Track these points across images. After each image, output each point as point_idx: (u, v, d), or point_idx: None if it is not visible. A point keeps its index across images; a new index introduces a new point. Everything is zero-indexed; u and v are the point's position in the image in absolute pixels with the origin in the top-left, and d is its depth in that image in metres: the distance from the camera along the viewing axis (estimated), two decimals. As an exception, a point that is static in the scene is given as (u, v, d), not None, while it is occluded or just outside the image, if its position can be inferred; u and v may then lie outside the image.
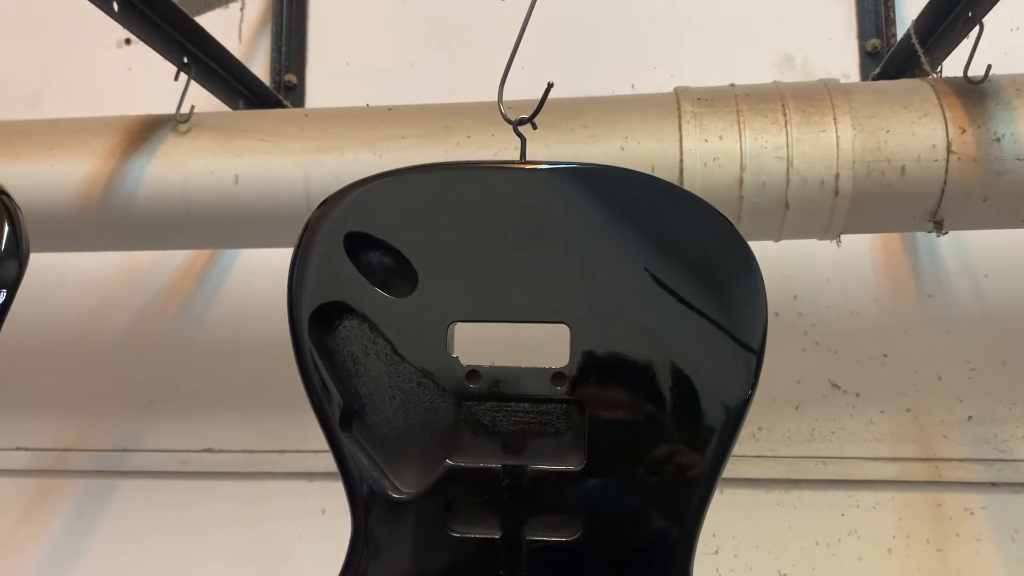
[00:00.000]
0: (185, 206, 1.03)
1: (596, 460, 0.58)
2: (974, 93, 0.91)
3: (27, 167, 1.04)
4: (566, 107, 0.98)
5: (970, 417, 1.20)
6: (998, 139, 0.89)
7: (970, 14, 0.91)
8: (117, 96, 1.44)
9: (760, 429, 1.23)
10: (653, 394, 0.57)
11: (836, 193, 0.91)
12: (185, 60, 1.08)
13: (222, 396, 1.36)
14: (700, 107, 0.95)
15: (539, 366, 0.59)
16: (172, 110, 1.06)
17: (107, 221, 1.06)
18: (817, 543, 1.21)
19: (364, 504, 0.60)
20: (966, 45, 0.92)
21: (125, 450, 1.37)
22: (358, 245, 0.59)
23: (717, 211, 0.58)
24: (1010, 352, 1.21)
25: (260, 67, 1.42)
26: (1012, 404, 1.20)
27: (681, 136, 0.94)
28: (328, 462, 0.60)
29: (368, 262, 0.59)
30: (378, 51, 1.42)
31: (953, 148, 0.89)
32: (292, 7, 1.43)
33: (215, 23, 1.12)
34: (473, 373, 0.59)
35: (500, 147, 0.97)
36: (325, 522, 1.31)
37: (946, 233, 0.96)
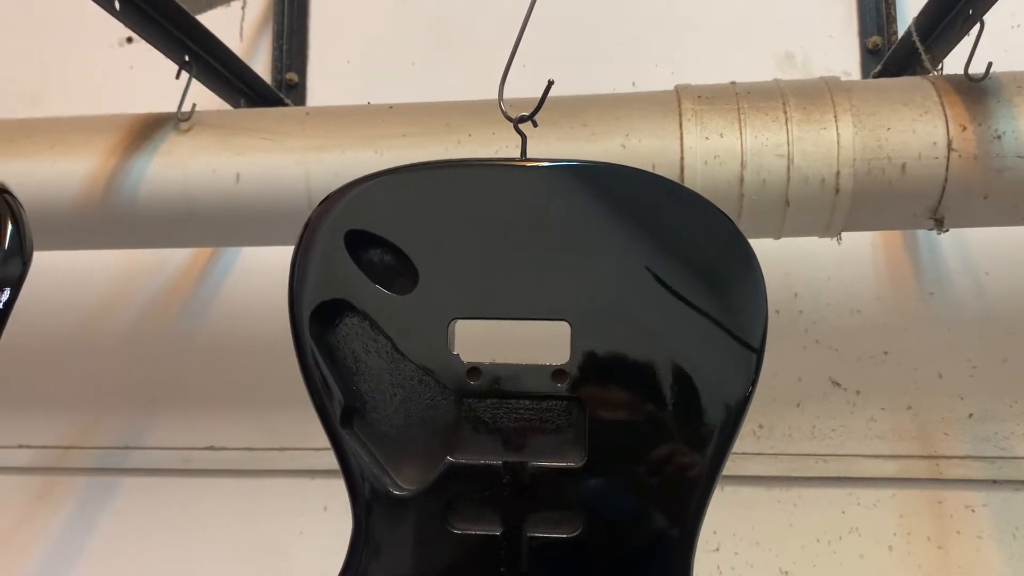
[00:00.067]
0: (186, 204, 1.03)
1: (596, 457, 0.58)
2: (975, 90, 0.91)
3: (29, 165, 1.05)
4: (567, 105, 0.99)
5: (971, 415, 1.20)
6: (999, 136, 0.89)
7: (971, 12, 0.91)
8: (118, 94, 1.45)
9: (761, 427, 1.23)
10: (653, 391, 0.58)
11: (837, 191, 0.91)
12: (186, 58, 1.08)
13: (224, 394, 1.36)
14: (701, 105, 0.95)
15: (540, 363, 0.59)
16: (173, 108, 1.07)
17: (108, 219, 1.06)
18: (818, 540, 1.21)
19: (365, 501, 0.60)
20: (967, 43, 0.92)
21: (127, 448, 1.37)
22: (359, 243, 0.59)
23: (718, 209, 0.58)
24: (1011, 350, 1.21)
25: (261, 65, 1.42)
26: (1013, 401, 1.20)
27: (682, 134, 0.94)
28: (330, 460, 0.60)
29: (369, 260, 0.59)
30: (379, 49, 1.42)
31: (954, 146, 0.89)
32: (293, 6, 1.43)
33: (216, 22, 1.13)
34: (474, 370, 0.59)
35: (501, 145, 0.97)
36: (326, 519, 1.31)
37: (947, 231, 0.96)
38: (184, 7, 1.04)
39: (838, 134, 0.90)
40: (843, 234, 0.99)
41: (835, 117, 0.91)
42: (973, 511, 1.19)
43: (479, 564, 0.58)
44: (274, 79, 1.40)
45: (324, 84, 1.42)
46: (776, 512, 1.22)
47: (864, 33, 1.29)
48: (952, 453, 1.20)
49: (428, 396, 0.60)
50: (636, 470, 0.58)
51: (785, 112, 0.92)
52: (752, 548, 1.22)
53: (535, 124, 0.64)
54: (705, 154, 0.92)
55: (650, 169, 0.91)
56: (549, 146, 0.94)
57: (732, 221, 0.58)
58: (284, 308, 0.60)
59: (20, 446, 1.40)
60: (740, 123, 0.92)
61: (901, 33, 1.12)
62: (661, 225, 0.59)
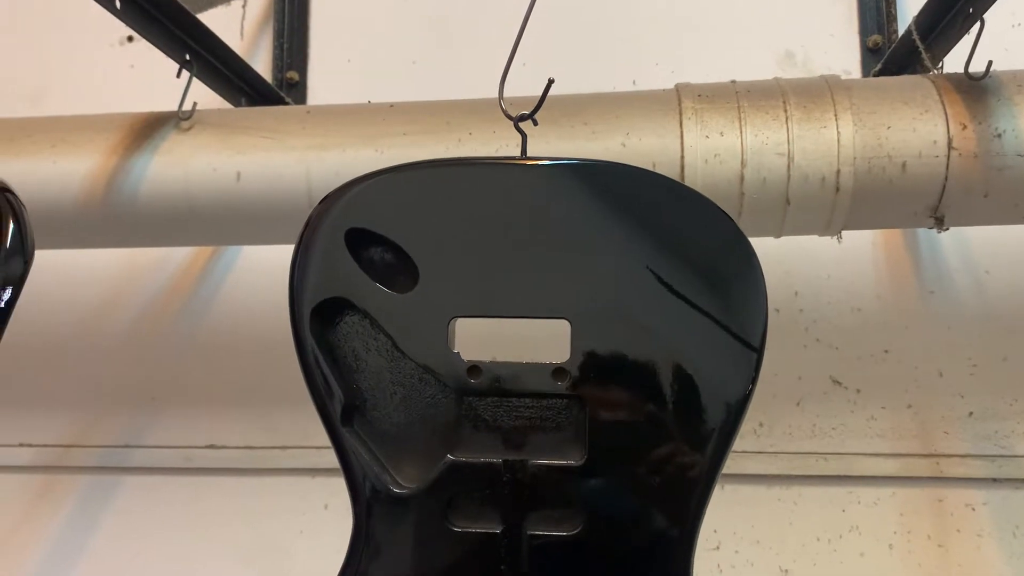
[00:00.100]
0: (187, 203, 1.03)
1: (596, 455, 0.58)
2: (975, 89, 0.91)
3: (30, 164, 1.05)
4: (567, 103, 0.99)
5: (971, 413, 1.21)
6: (999, 135, 0.89)
7: (971, 10, 0.91)
8: (119, 93, 1.45)
9: (761, 425, 1.23)
10: (653, 390, 0.58)
11: (837, 189, 0.91)
12: (187, 57, 1.09)
13: (225, 392, 1.37)
14: (701, 103, 0.95)
15: (540, 362, 0.59)
16: (174, 107, 1.07)
17: (109, 218, 1.06)
18: (818, 539, 1.21)
19: (366, 499, 0.60)
20: (967, 41, 0.92)
21: (128, 446, 1.38)
22: (359, 241, 0.59)
23: (718, 207, 0.58)
24: (1011, 348, 1.21)
25: (262, 64, 1.42)
26: (1013, 400, 1.20)
27: (682, 132, 0.94)
28: (330, 458, 0.60)
29: (369, 258, 0.59)
30: (380, 48, 1.42)
31: (954, 144, 0.89)
32: (294, 4, 1.43)
33: (217, 20, 1.13)
34: (474, 369, 0.59)
35: (502, 143, 0.97)
36: (327, 518, 1.31)
37: (947, 229, 0.96)
38: (185, 6, 1.04)
39: (838, 132, 0.90)
40: (843, 233, 0.99)
41: (835, 115, 0.91)
42: (973, 509, 1.19)
43: (479, 562, 0.59)
44: (275, 78, 1.40)
45: (325, 83, 1.42)
46: (776, 510, 1.22)
47: (864, 32, 1.29)
48: (952, 451, 1.20)
49: (428, 394, 0.60)
50: (636, 468, 0.58)
51: (785, 110, 0.92)
52: (752, 546, 1.22)
53: (535, 123, 0.64)
54: (705, 152, 0.92)
55: (650, 168, 0.92)
56: (549, 145, 0.95)
57: (732, 220, 0.58)
58: (285, 307, 0.60)
59: (21, 444, 1.40)
60: (740, 122, 0.92)
61: (901, 32, 1.12)
62: (661, 224, 0.59)
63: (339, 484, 0.60)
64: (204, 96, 1.11)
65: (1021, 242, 1.21)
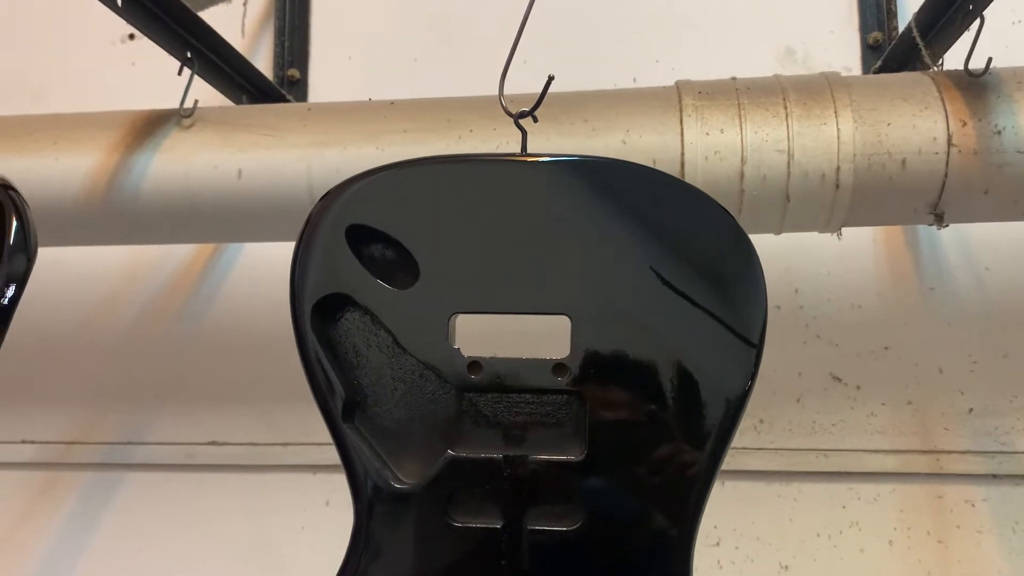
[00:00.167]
0: (189, 200, 1.04)
1: (596, 451, 0.58)
2: (975, 86, 0.91)
3: (32, 162, 1.05)
4: (567, 101, 0.99)
5: (971, 410, 1.21)
6: (999, 132, 0.89)
7: (971, 7, 0.91)
8: (121, 91, 1.45)
9: (761, 422, 1.24)
10: (652, 385, 0.58)
11: (837, 186, 0.91)
12: (189, 55, 1.09)
13: (226, 389, 1.37)
14: (701, 100, 0.95)
15: (540, 357, 0.59)
16: (176, 105, 1.07)
17: (111, 215, 1.06)
18: (818, 535, 1.21)
19: (367, 495, 0.60)
20: (967, 38, 0.92)
21: (130, 443, 1.38)
22: (360, 238, 0.59)
23: (718, 204, 0.58)
24: (1011, 345, 1.21)
25: (263, 62, 1.42)
26: (1013, 396, 1.20)
27: (682, 129, 0.94)
28: (331, 455, 0.61)
29: (370, 254, 0.60)
30: (380, 46, 1.42)
31: (954, 141, 0.89)
32: (295, 2, 1.43)
33: (218, 18, 1.13)
34: (475, 364, 0.60)
35: (502, 141, 0.97)
36: (328, 514, 1.31)
37: (947, 226, 0.96)
38: (186, 4, 1.04)
39: (838, 129, 0.91)
40: (843, 229, 0.99)
41: (835, 112, 0.91)
42: (973, 506, 1.19)
43: (480, 557, 0.59)
44: (276, 75, 1.40)
45: (326, 80, 1.42)
46: (776, 507, 1.22)
47: (865, 29, 1.29)
48: (952, 448, 1.20)
49: (429, 390, 0.60)
50: (636, 464, 0.58)
51: (785, 107, 0.92)
52: (752, 543, 1.22)
53: (535, 119, 0.64)
54: (705, 150, 0.93)
55: (651, 164, 0.92)
56: (550, 142, 0.95)
57: (732, 216, 0.58)
58: (286, 303, 0.60)
59: (23, 441, 1.40)
60: (740, 119, 0.93)
61: (902, 29, 1.12)
62: (661, 220, 0.59)
63: (340, 480, 0.61)
64: (205, 93, 1.11)
65: (1021, 239, 1.21)
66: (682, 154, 0.93)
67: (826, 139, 0.91)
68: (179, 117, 1.07)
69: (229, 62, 1.17)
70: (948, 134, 0.89)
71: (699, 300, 0.58)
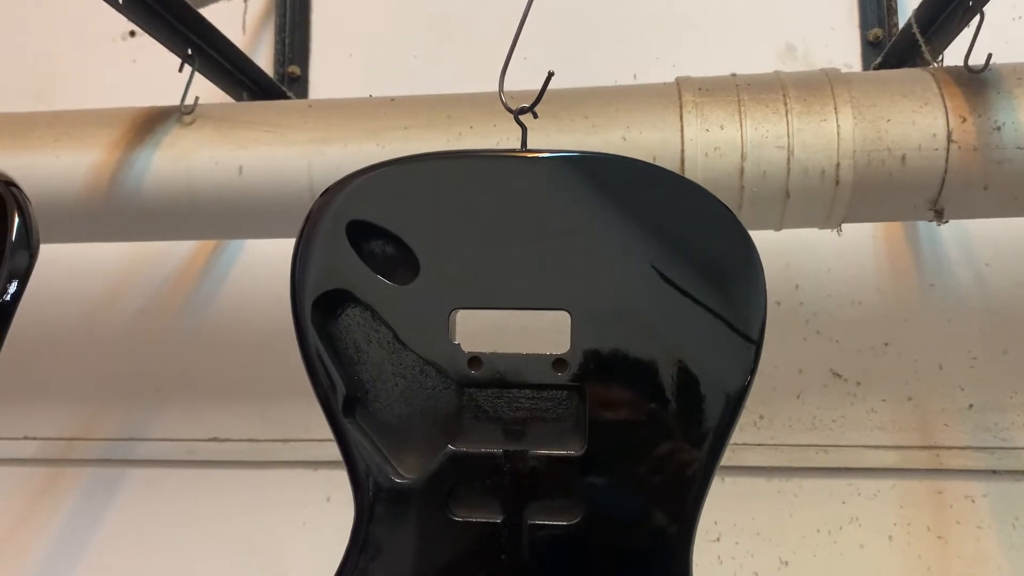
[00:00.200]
0: (190, 197, 1.04)
1: (596, 445, 0.58)
2: (975, 82, 0.91)
3: (33, 158, 1.05)
4: (567, 97, 0.99)
5: (971, 405, 1.21)
6: (998, 128, 0.89)
7: (971, 3, 0.91)
8: (122, 88, 1.45)
9: (761, 417, 1.24)
10: (652, 381, 0.58)
11: (837, 182, 0.91)
12: (189, 52, 1.09)
13: (227, 385, 1.37)
14: (701, 97, 0.95)
15: (540, 353, 0.59)
16: (176, 102, 1.07)
17: (112, 212, 1.07)
18: (818, 531, 1.22)
19: (367, 490, 0.60)
20: (967, 34, 0.92)
21: (131, 439, 1.38)
22: (360, 233, 0.60)
23: (718, 200, 0.59)
24: (1011, 341, 1.21)
25: (264, 59, 1.42)
26: (1013, 392, 1.20)
27: (682, 126, 0.94)
28: (332, 451, 0.61)
29: (370, 250, 0.60)
30: (381, 42, 1.42)
31: (954, 137, 0.89)
32: (295, -1, 1.43)
33: (219, 15, 1.13)
34: (475, 360, 0.60)
35: (502, 137, 0.97)
36: (329, 510, 1.32)
37: (947, 222, 0.96)
38: (187, 1, 1.04)
39: (838, 126, 0.91)
40: (843, 226, 0.99)
41: (835, 109, 0.91)
42: (973, 501, 1.19)
43: (480, 552, 0.59)
44: (276, 72, 1.40)
45: (326, 77, 1.42)
46: (777, 502, 1.23)
47: (865, 25, 1.29)
48: (952, 444, 1.20)
49: (429, 386, 0.60)
50: (636, 458, 0.58)
51: (785, 104, 0.92)
52: (753, 538, 1.23)
53: (535, 116, 0.64)
54: (706, 146, 0.93)
55: (651, 161, 0.92)
56: (550, 138, 0.95)
57: (732, 212, 0.59)
58: (287, 300, 0.60)
59: (25, 438, 1.41)
60: (740, 115, 0.93)
61: (902, 25, 1.12)
62: (661, 216, 0.59)
63: (341, 476, 0.61)
64: (206, 90, 1.11)
65: (1021, 235, 1.21)
66: (682, 150, 0.93)
67: (826, 135, 0.91)
68: (180, 114, 1.07)
69: (230, 59, 1.17)
70: (948, 130, 0.90)
71: (699, 296, 0.58)
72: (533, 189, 0.59)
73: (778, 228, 0.99)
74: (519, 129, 0.64)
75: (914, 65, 1.06)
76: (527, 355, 0.59)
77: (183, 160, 1.03)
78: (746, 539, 1.23)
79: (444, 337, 0.59)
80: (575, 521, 0.58)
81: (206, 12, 1.09)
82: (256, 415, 1.35)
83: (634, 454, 0.58)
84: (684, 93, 0.96)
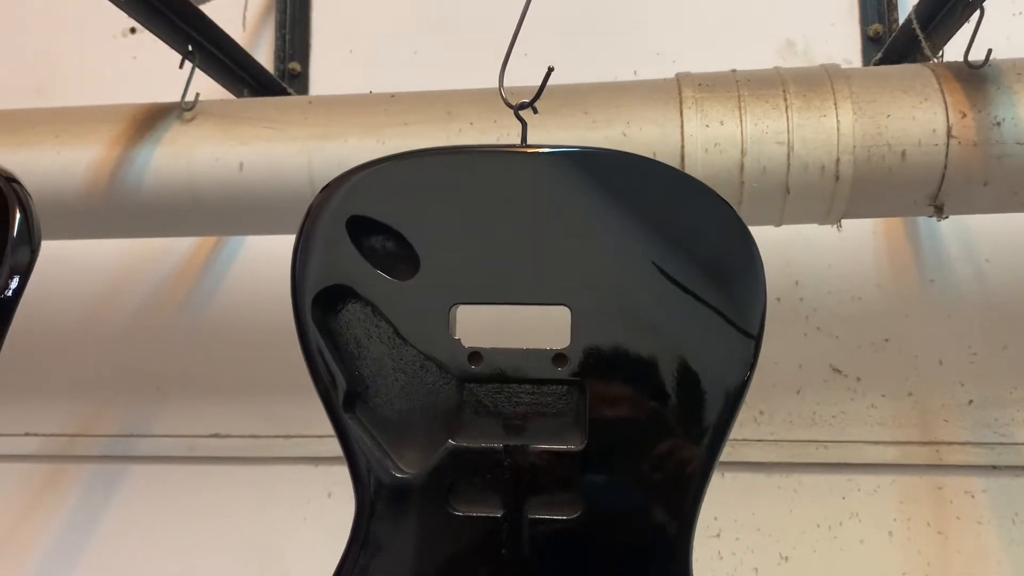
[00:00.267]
0: (190, 193, 1.04)
1: (596, 440, 0.59)
2: (975, 77, 0.91)
3: (34, 155, 1.05)
4: (567, 93, 0.99)
5: (971, 401, 1.21)
6: (998, 123, 0.89)
7: (971, -1, 0.91)
8: (122, 85, 1.45)
9: (761, 413, 1.24)
10: (652, 375, 0.58)
11: (837, 178, 0.91)
12: (190, 48, 1.09)
13: (229, 382, 1.37)
14: (701, 92, 0.95)
15: (540, 348, 0.59)
16: (177, 98, 1.07)
17: (113, 208, 1.07)
18: (818, 526, 1.22)
19: (368, 485, 0.61)
20: (967, 30, 0.92)
21: (132, 435, 1.38)
22: (360, 229, 0.60)
23: (718, 196, 0.59)
24: (1011, 337, 1.21)
25: (264, 55, 1.42)
26: (1013, 388, 1.20)
27: (682, 122, 0.94)
28: (333, 447, 0.61)
29: (370, 246, 0.60)
30: (381, 39, 1.42)
31: (953, 132, 0.89)
32: (295, -5, 1.43)
33: (219, 12, 1.13)
34: (475, 355, 0.60)
35: (502, 133, 0.97)
36: (330, 506, 1.32)
37: (947, 218, 0.96)
38: (187, -3, 1.05)
39: (838, 121, 0.91)
40: (844, 221, 0.99)
41: (835, 104, 0.91)
42: (973, 497, 1.19)
43: (480, 546, 0.59)
44: (277, 69, 1.40)
45: (326, 73, 1.42)
46: (777, 498, 1.23)
47: (865, 21, 1.29)
48: (952, 439, 1.20)
49: (430, 381, 0.60)
50: (635, 453, 0.58)
51: (785, 99, 0.92)
52: (753, 534, 1.23)
53: (535, 111, 0.64)
54: (705, 142, 0.93)
55: (651, 157, 0.92)
56: (550, 134, 0.95)
57: (733, 208, 0.59)
58: (287, 296, 0.61)
59: (27, 434, 1.41)
60: (740, 111, 0.93)
61: (902, 21, 1.12)
62: (661, 212, 0.59)
63: (342, 472, 0.61)
64: (206, 87, 1.11)
65: (1021, 230, 1.21)
66: (682, 146, 0.93)
67: (826, 131, 0.91)
68: (180, 110, 1.07)
69: (230, 55, 1.17)
70: (948, 126, 0.90)
71: (699, 291, 0.58)
72: (533, 184, 0.59)
73: (778, 224, 0.99)
74: (519, 125, 0.64)
75: (914, 61, 1.06)
76: (527, 350, 0.60)
77: (184, 156, 1.03)
78: (746, 534, 1.23)
79: (444, 332, 0.60)
80: (575, 516, 0.59)
81: (206, 9, 1.09)
82: (257, 411, 1.35)
83: (634, 449, 0.59)
84: (684, 89, 0.96)
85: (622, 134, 0.95)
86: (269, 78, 1.29)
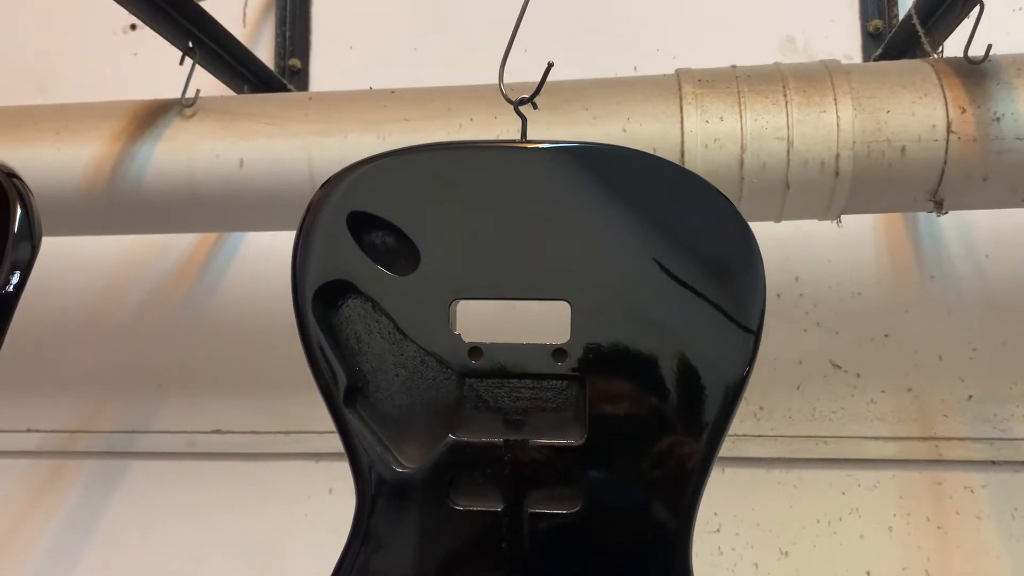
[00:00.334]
0: (191, 189, 1.04)
1: (596, 435, 0.59)
2: (974, 73, 0.91)
3: (34, 151, 1.05)
4: (568, 89, 0.99)
5: (970, 397, 1.21)
6: (998, 119, 0.89)
7: (970, -6, 0.91)
8: (123, 81, 1.45)
9: (761, 409, 1.24)
10: (651, 370, 0.58)
11: (836, 173, 0.91)
12: (190, 45, 1.09)
13: (229, 378, 1.38)
14: (701, 88, 0.95)
15: (540, 343, 0.59)
16: (177, 95, 1.07)
17: (113, 205, 1.07)
18: (818, 521, 1.22)
19: (369, 480, 0.61)
20: (967, 25, 0.92)
21: (134, 432, 1.39)
22: (361, 224, 0.60)
23: (718, 191, 0.59)
24: (1011, 332, 1.21)
25: (264, 52, 1.42)
26: (1012, 384, 1.21)
27: (682, 117, 0.94)
28: (334, 443, 0.61)
29: (371, 241, 0.60)
30: (381, 35, 1.42)
31: (953, 128, 0.90)
32: (296, -9, 1.43)
33: (220, 8, 1.13)
34: (475, 350, 0.60)
35: (503, 129, 0.97)
36: (331, 501, 1.32)
37: (946, 213, 0.96)
38: (187, -7, 1.05)
39: (838, 117, 0.91)
40: (844, 217, 0.99)
41: (835, 100, 0.91)
42: (972, 492, 1.20)
43: (481, 540, 0.59)
44: (277, 65, 1.41)
45: (327, 70, 1.42)
46: (776, 493, 1.23)
47: (865, 16, 1.29)
48: (952, 435, 1.20)
49: (430, 376, 0.60)
50: (635, 447, 0.59)
51: (785, 95, 0.92)
52: (753, 529, 1.23)
53: (535, 107, 0.64)
54: (705, 137, 0.93)
55: (651, 152, 0.92)
56: (550, 130, 0.95)
57: (732, 204, 0.59)
58: (288, 292, 0.61)
59: (28, 430, 1.41)
60: (740, 106, 0.93)
61: (902, 16, 1.12)
62: (661, 207, 0.59)
63: (343, 468, 0.61)
64: (207, 83, 1.11)
65: (1021, 226, 1.21)
66: (682, 142, 0.94)
67: (826, 126, 0.91)
68: (181, 107, 1.07)
69: (231, 52, 1.17)
70: (947, 121, 0.90)
71: (699, 287, 0.58)
72: (533, 180, 0.59)
73: (778, 219, 0.99)
74: (519, 121, 0.64)
75: (914, 56, 1.05)
76: (527, 345, 0.60)
77: (184, 153, 1.04)
78: (746, 530, 1.23)
79: (445, 327, 0.60)
80: (575, 510, 0.59)
81: (207, 5, 1.09)
82: (258, 407, 1.35)
83: (634, 443, 0.59)
84: (684, 85, 0.96)
85: (622, 130, 0.95)
86: (269, 74, 1.29)
